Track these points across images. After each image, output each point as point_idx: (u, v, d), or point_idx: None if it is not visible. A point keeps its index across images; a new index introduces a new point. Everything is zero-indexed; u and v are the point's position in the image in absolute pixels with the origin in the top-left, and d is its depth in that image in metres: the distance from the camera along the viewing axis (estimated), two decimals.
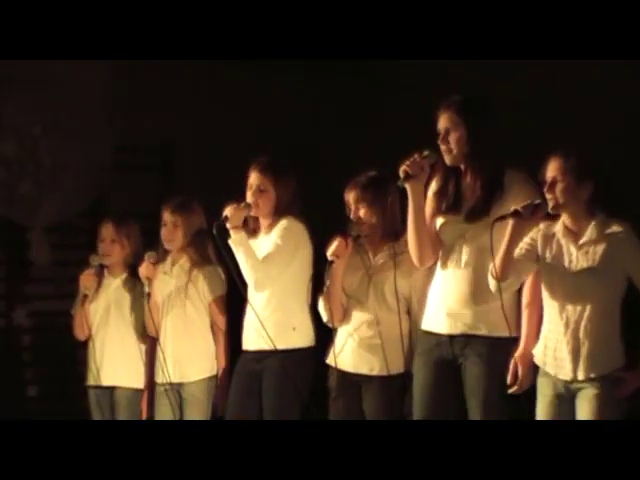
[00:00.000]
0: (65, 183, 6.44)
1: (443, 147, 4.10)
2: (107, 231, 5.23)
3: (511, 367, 4.00)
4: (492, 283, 3.95)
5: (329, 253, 4.52)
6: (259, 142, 6.46)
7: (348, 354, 4.59)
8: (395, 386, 4.49)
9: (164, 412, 5.00)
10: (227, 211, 4.66)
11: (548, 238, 3.95)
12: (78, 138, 6.43)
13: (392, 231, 4.56)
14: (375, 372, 4.52)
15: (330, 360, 4.63)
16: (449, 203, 4.14)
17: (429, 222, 4.19)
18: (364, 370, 4.54)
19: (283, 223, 4.69)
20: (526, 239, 3.96)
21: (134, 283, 5.20)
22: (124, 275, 5.26)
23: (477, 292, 4.06)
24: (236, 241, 4.63)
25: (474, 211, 4.07)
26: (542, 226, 3.96)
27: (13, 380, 6.40)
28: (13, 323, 6.44)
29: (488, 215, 4.01)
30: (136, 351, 5.17)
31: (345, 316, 4.62)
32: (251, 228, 4.77)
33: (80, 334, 5.27)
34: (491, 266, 3.93)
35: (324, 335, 4.72)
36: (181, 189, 6.30)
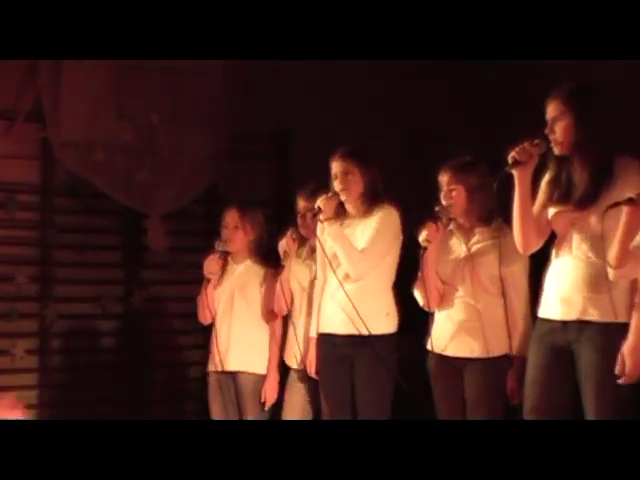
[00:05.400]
0: (181, 170, 6.50)
1: (551, 136, 4.10)
2: (231, 217, 5.28)
3: (619, 359, 3.96)
4: (610, 272, 3.92)
5: (421, 238, 4.56)
6: (371, 129, 6.47)
7: (447, 338, 4.62)
8: (497, 368, 4.52)
9: (297, 398, 5.05)
10: (319, 203, 4.71)
11: None
12: (194, 125, 6.49)
13: (484, 216, 4.58)
14: (476, 354, 4.55)
15: (429, 345, 4.66)
16: (560, 192, 4.14)
17: (540, 211, 4.19)
18: (465, 353, 4.57)
19: (381, 213, 4.74)
20: None
21: (257, 269, 5.27)
22: (247, 261, 5.31)
23: (590, 279, 4.04)
24: (333, 234, 4.68)
25: (583, 199, 4.06)
26: None
27: (132, 364, 6.51)
28: (131, 308, 6.54)
29: (597, 202, 4.00)
30: (261, 337, 5.23)
31: (441, 301, 4.65)
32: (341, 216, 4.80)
33: (203, 318, 5.34)
34: (608, 255, 3.89)
35: (414, 320, 4.76)
36: (296, 176, 6.34)
